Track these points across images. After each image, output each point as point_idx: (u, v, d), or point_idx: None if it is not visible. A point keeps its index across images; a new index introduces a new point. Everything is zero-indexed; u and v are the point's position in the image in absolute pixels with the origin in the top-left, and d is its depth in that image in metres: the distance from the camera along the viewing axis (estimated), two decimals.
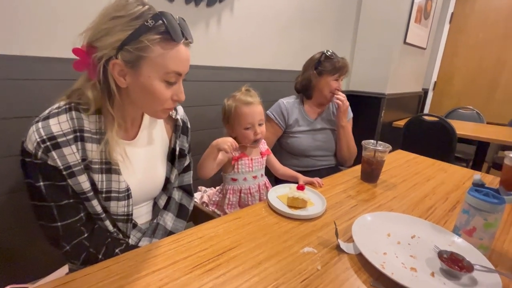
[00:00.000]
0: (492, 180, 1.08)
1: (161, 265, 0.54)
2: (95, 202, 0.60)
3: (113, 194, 0.62)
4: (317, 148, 1.39)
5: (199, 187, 1.20)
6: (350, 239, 0.64)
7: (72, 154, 0.55)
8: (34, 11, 0.86)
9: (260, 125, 0.99)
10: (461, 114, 2.73)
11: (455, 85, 3.13)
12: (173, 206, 0.79)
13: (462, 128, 2.16)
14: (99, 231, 0.63)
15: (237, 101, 0.98)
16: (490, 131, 2.17)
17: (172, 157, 0.76)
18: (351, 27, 2.26)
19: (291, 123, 1.36)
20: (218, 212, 1.02)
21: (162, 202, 0.77)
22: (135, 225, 0.71)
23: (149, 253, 0.58)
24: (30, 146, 0.52)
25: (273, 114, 1.36)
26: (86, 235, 0.60)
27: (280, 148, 1.44)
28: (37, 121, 0.53)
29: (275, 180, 1.27)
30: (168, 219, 0.77)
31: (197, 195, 1.12)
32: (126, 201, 0.64)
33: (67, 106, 0.56)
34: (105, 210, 0.63)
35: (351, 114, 1.44)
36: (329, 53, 1.33)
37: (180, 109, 0.78)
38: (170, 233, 0.75)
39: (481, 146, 2.24)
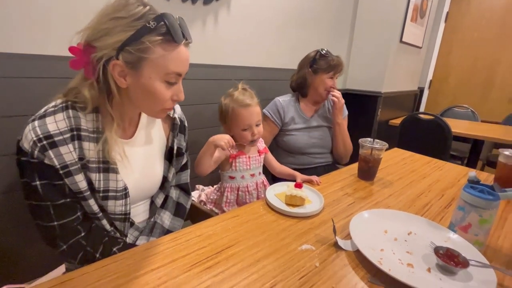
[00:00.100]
0: (486, 177, 1.09)
1: (159, 264, 0.54)
2: (92, 202, 0.60)
3: (110, 193, 0.62)
4: (313, 146, 1.40)
5: (197, 186, 1.19)
6: (348, 236, 0.65)
7: (69, 153, 0.54)
8: (30, 8, 0.85)
9: (257, 125, 0.99)
10: (456, 112, 2.75)
11: (450, 83, 3.16)
12: (171, 205, 0.79)
13: (457, 126, 2.18)
14: (96, 230, 0.63)
15: (235, 102, 0.97)
16: (484, 129, 2.20)
17: (170, 155, 0.76)
18: (347, 26, 2.26)
19: (287, 121, 1.37)
20: (216, 211, 1.02)
21: (159, 200, 0.77)
22: (132, 224, 0.70)
23: (147, 251, 0.58)
24: (26, 145, 0.52)
25: (269, 113, 1.37)
26: (83, 234, 0.60)
27: (277, 147, 1.45)
28: (33, 120, 0.53)
29: (272, 178, 1.27)
30: (166, 218, 0.77)
31: (194, 194, 1.12)
32: (124, 200, 0.64)
33: (63, 104, 0.55)
34: (102, 209, 0.63)
35: (346, 112, 1.45)
36: (324, 51, 1.34)
37: (177, 107, 0.78)
38: (167, 231, 0.75)
39: (476, 144, 2.27)
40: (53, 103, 0.56)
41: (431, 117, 2.04)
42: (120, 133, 0.65)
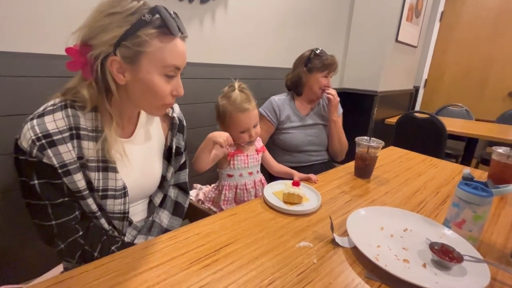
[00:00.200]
0: (480, 174, 1.11)
1: (158, 262, 0.55)
2: (90, 201, 0.60)
3: (109, 192, 0.62)
4: (309, 143, 1.41)
5: (194, 185, 1.20)
6: (345, 233, 0.65)
7: (67, 152, 0.54)
8: (27, 6, 0.85)
9: (255, 127, 1.00)
10: (451, 111, 2.78)
11: (445, 82, 3.19)
12: (169, 204, 0.79)
13: (452, 124, 2.20)
14: (95, 229, 0.63)
15: (232, 105, 0.96)
16: (478, 127, 2.23)
17: (168, 155, 0.76)
18: (344, 26, 2.27)
19: (283, 119, 1.38)
20: (214, 209, 1.03)
21: (157, 200, 0.77)
22: (130, 223, 0.71)
23: (146, 250, 0.58)
24: (25, 143, 0.52)
25: (265, 112, 1.38)
26: (81, 233, 0.60)
27: (273, 145, 1.46)
28: (32, 119, 0.53)
29: (269, 177, 1.28)
30: (164, 217, 0.77)
31: (192, 193, 1.12)
32: (123, 199, 0.64)
33: (62, 103, 0.55)
34: (101, 208, 0.63)
35: (341, 110, 1.48)
36: (318, 50, 1.37)
37: (176, 107, 0.78)
38: (165, 230, 0.75)
39: (470, 142, 2.30)
40: (51, 102, 0.56)
41: (427, 115, 2.06)
42: (119, 132, 0.65)
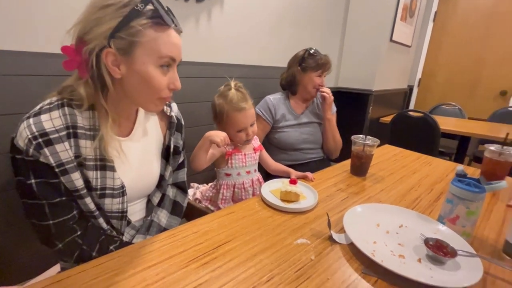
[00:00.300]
0: (473, 171, 1.13)
1: (156, 260, 0.55)
2: (88, 200, 0.60)
3: (107, 191, 0.61)
4: (304, 141, 1.43)
5: (192, 184, 1.20)
6: (342, 230, 0.66)
7: (65, 151, 0.54)
8: (22, 4, 0.84)
9: (251, 125, 1.00)
10: (444, 110, 2.82)
11: (438, 82, 3.23)
12: (167, 203, 0.79)
13: (445, 123, 2.24)
14: (93, 229, 0.63)
15: (229, 104, 0.96)
16: (471, 126, 2.27)
17: (167, 154, 0.76)
18: (339, 25, 2.29)
19: (278, 118, 1.40)
20: (212, 208, 1.03)
21: (156, 199, 0.77)
22: (129, 222, 0.70)
23: (143, 249, 0.58)
24: (21, 142, 0.51)
25: (260, 111, 1.39)
26: (79, 233, 0.60)
27: (269, 144, 1.47)
28: (28, 117, 0.52)
29: (266, 176, 1.28)
30: (163, 216, 0.77)
31: (189, 192, 1.12)
32: (121, 198, 0.64)
33: (59, 102, 0.55)
34: (99, 207, 0.62)
35: (335, 108, 1.51)
36: (312, 50, 1.39)
37: (174, 106, 0.78)
38: (164, 230, 0.75)
39: (463, 141, 2.34)
40: (48, 101, 0.55)
41: (421, 114, 2.09)
42: (117, 130, 0.64)
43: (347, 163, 1.10)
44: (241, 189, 1.02)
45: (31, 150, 0.51)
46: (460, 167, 0.69)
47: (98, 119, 0.58)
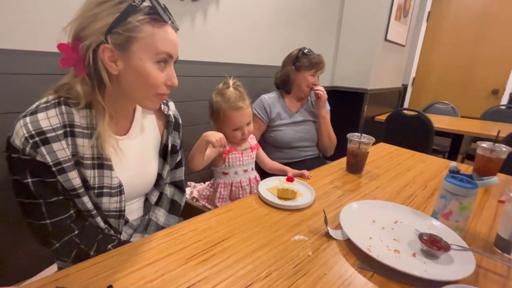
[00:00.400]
0: (466, 168, 1.16)
1: (155, 258, 0.55)
2: (86, 199, 0.59)
3: (105, 190, 0.61)
4: (300, 140, 1.45)
5: (188, 183, 1.20)
6: (338, 226, 0.67)
7: (62, 149, 0.53)
8: (18, 2, 0.83)
9: (248, 125, 1.01)
10: (437, 108, 2.86)
11: (432, 81, 3.28)
12: (165, 202, 0.79)
13: (439, 121, 2.27)
14: (90, 228, 0.63)
15: (227, 102, 0.96)
16: (464, 124, 2.30)
17: (164, 153, 0.76)
18: (334, 25, 2.30)
19: (274, 117, 1.41)
20: (209, 207, 1.03)
21: (153, 198, 0.77)
22: (126, 221, 0.70)
23: (142, 247, 0.58)
24: (18, 141, 0.51)
25: (256, 110, 1.40)
26: (76, 232, 0.59)
27: (265, 143, 1.48)
28: (25, 116, 0.52)
29: (263, 174, 1.29)
30: (160, 215, 0.77)
31: (186, 191, 1.12)
32: (119, 197, 0.64)
33: (56, 100, 0.54)
34: (97, 206, 0.62)
35: (328, 107, 1.53)
36: (306, 50, 1.41)
37: (171, 105, 0.78)
38: (162, 228, 0.75)
39: (456, 139, 2.38)
40: (44, 99, 0.55)
41: (415, 113, 2.12)
42: (115, 129, 0.64)
43: (343, 161, 1.11)
44: (239, 188, 1.02)
45: (27, 149, 0.51)
46: (453, 163, 0.71)
47: (95, 117, 0.57)
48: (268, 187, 0.86)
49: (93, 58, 0.53)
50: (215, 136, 0.87)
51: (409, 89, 3.40)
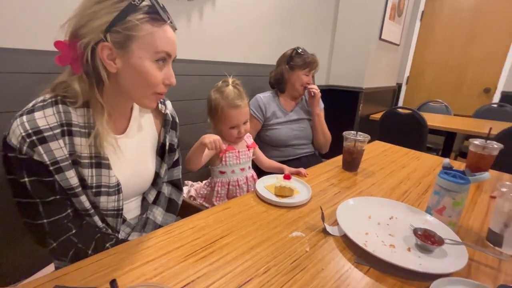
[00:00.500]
0: (459, 165, 1.18)
1: (154, 256, 0.55)
2: (83, 198, 0.59)
3: (103, 189, 0.61)
4: (295, 138, 1.46)
5: (186, 182, 1.20)
6: (335, 223, 0.68)
7: (59, 149, 0.53)
8: (12, 1, 0.82)
9: (244, 123, 1.01)
10: (431, 107, 2.90)
11: (426, 79, 3.32)
12: (163, 201, 0.79)
13: (433, 120, 2.30)
14: (88, 227, 0.62)
15: (225, 100, 0.97)
16: (457, 122, 2.34)
17: (162, 152, 0.76)
18: (330, 24, 2.32)
19: (269, 116, 1.43)
20: (207, 205, 1.03)
21: (151, 197, 0.77)
22: (124, 220, 0.70)
23: (140, 245, 0.58)
24: (14, 140, 0.50)
25: (251, 109, 1.40)
26: (74, 231, 0.59)
27: (261, 142, 1.49)
28: (21, 115, 0.51)
29: (260, 173, 1.30)
30: (158, 214, 0.77)
31: (184, 189, 1.12)
32: (117, 196, 0.64)
33: (53, 99, 0.54)
34: (94, 205, 0.62)
35: (322, 105, 1.55)
36: (300, 49, 1.43)
37: (168, 104, 0.78)
38: (159, 227, 0.75)
39: (449, 136, 2.41)
40: (41, 98, 0.54)
41: (409, 111, 2.14)
42: (112, 128, 0.64)
43: (339, 158, 1.12)
44: (236, 186, 1.02)
45: (24, 148, 0.51)
46: (446, 160, 0.72)
47: (93, 116, 0.57)
48: (266, 185, 0.86)
49: (92, 56, 0.53)
50: (209, 138, 0.87)
51: (404, 88, 3.43)
